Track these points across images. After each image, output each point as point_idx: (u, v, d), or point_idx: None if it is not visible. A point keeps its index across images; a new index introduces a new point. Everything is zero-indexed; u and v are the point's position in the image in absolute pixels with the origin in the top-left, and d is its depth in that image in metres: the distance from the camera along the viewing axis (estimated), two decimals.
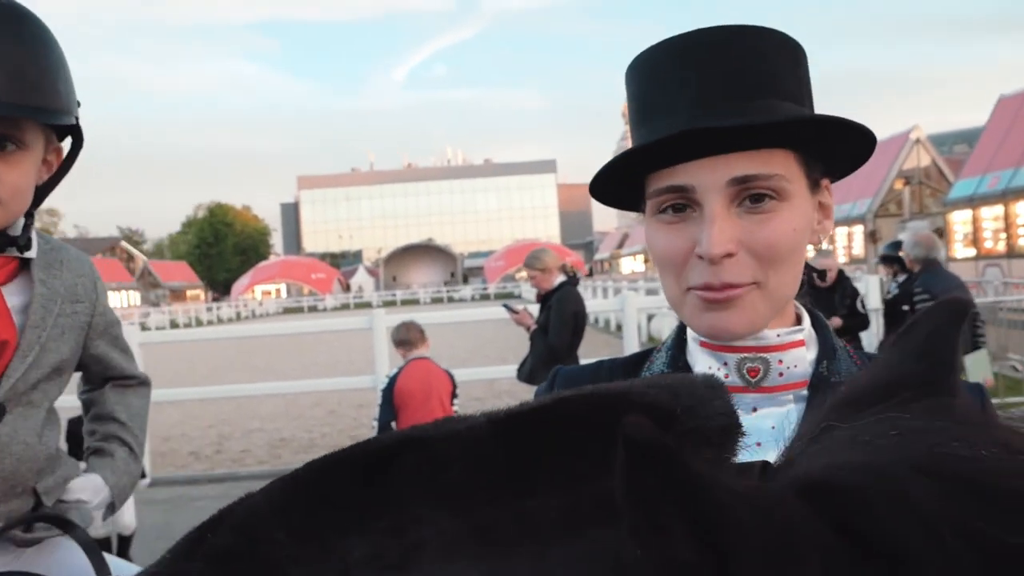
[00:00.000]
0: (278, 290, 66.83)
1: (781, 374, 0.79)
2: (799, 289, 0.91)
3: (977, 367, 4.76)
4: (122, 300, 55.99)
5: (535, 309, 4.90)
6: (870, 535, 0.28)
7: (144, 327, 32.99)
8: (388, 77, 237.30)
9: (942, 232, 24.62)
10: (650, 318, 16.21)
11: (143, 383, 1.79)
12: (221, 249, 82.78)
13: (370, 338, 6.54)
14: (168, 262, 77.07)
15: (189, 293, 69.38)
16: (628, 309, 6.88)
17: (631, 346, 6.69)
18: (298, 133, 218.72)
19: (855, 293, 5.74)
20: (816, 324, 0.85)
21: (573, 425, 0.32)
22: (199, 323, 39.37)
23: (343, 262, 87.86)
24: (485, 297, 51.24)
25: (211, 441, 8.91)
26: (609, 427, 0.31)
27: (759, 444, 0.72)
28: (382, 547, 0.30)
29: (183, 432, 9.39)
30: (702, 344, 0.82)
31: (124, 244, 78.02)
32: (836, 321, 5.45)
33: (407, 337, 4.43)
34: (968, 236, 23.87)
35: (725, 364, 0.80)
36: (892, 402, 0.37)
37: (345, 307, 50.97)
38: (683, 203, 0.76)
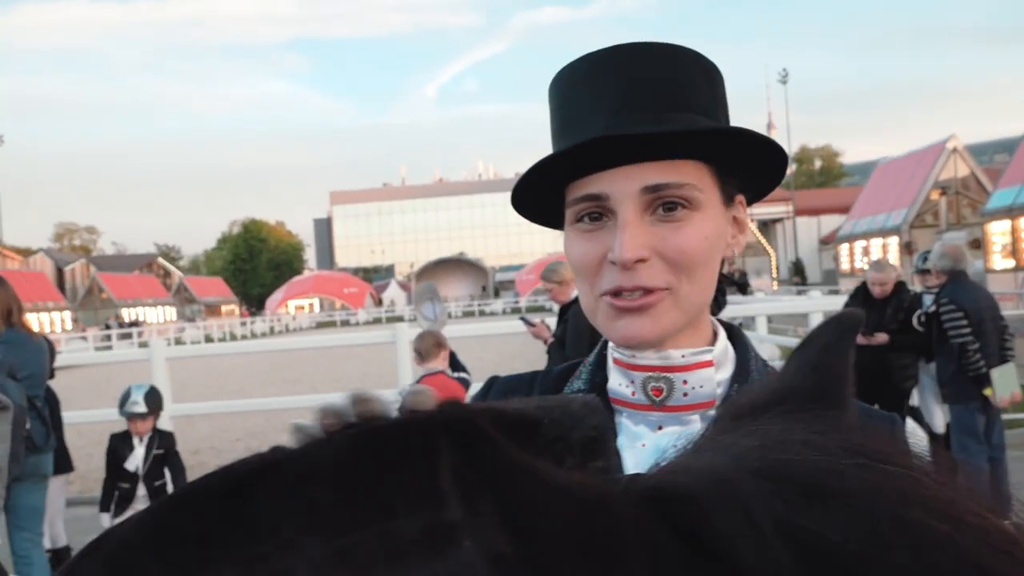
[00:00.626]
0: (311, 305, 67.45)
1: (686, 394, 0.79)
2: (720, 307, 0.91)
3: (1004, 381, 4.64)
4: (158, 315, 56.95)
5: (553, 322, 4.89)
6: (702, 535, 0.29)
7: (180, 341, 33.53)
8: (420, 93, 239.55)
9: (980, 243, 24.15)
10: None
11: (3, 407, 1.74)
12: (255, 264, 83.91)
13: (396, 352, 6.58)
14: (203, 278, 78.36)
15: (224, 308, 70.36)
16: None
17: None
18: (331, 149, 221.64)
19: (912, 308, 5.39)
20: (737, 343, 0.85)
21: (436, 441, 0.31)
22: (233, 337, 39.84)
23: (375, 276, 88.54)
24: (516, 310, 51.23)
25: (239, 454, 8.94)
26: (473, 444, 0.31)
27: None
28: (253, 574, 0.30)
29: (212, 445, 9.51)
30: (615, 361, 0.83)
31: (161, 260, 79.54)
32: (882, 337, 5.28)
33: (419, 347, 4.45)
34: (1007, 247, 23.38)
35: (632, 382, 0.81)
36: (774, 413, 0.37)
37: (377, 321, 51.29)
38: (598, 211, 0.78)
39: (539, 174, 0.78)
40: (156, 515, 0.31)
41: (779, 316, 16.20)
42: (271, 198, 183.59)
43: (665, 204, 0.76)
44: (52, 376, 4.84)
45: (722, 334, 0.84)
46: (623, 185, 0.76)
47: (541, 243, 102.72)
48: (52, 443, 4.20)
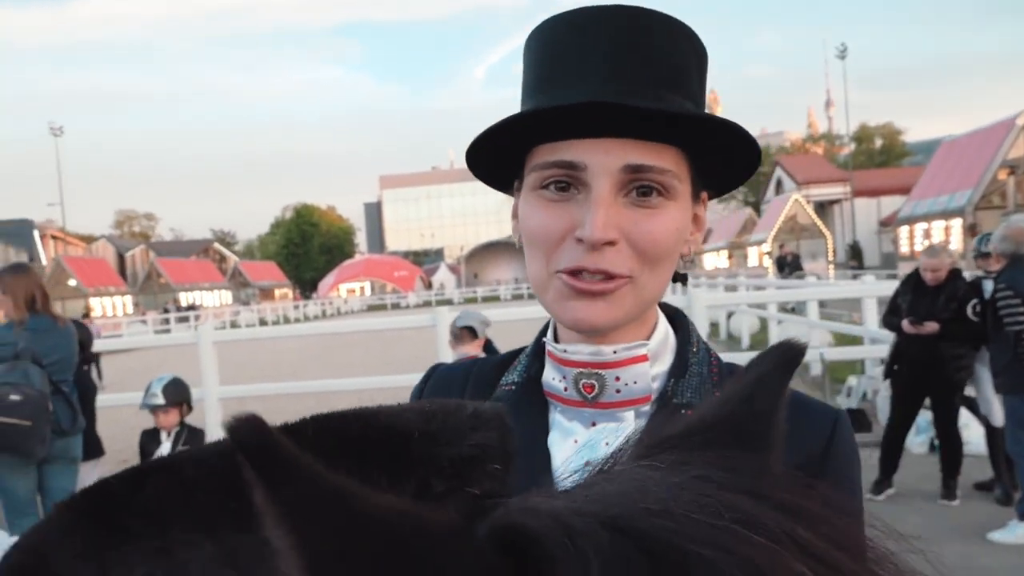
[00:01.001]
0: (362, 288, 68.24)
1: (618, 391, 0.76)
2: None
3: None
4: (215, 299, 58.30)
5: None
6: None
7: (235, 325, 34.27)
8: (468, 75, 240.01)
9: None
10: (730, 315, 15.81)
11: None
12: (307, 249, 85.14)
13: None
14: (257, 262, 79.80)
15: (277, 292, 71.63)
16: (696, 307, 6.71)
17: None
18: (380, 133, 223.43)
19: (968, 297, 5.10)
20: (679, 332, 0.82)
21: (317, 442, 0.31)
22: (286, 320, 40.57)
23: (425, 260, 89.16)
24: None
25: None
26: (353, 453, 0.32)
27: (588, 463, 0.72)
28: (154, 567, 0.31)
29: None
30: (549, 354, 0.80)
31: (217, 246, 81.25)
32: (932, 326, 5.09)
33: (454, 331, 4.41)
34: None
35: (564, 378, 0.78)
36: (687, 447, 0.37)
37: (427, 304, 51.61)
38: (568, 181, 0.72)
39: (513, 128, 0.72)
40: (72, 508, 0.33)
41: (834, 301, 15.82)
42: (322, 183, 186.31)
43: (641, 188, 0.72)
44: (89, 360, 4.91)
45: (661, 325, 0.81)
46: (604, 158, 0.70)
47: None
48: (80, 426, 4.27)
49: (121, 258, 62.44)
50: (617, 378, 0.76)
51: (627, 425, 0.76)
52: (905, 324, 5.26)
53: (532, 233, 0.75)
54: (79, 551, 0.32)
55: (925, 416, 5.89)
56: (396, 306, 52.90)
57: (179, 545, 0.31)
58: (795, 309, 15.17)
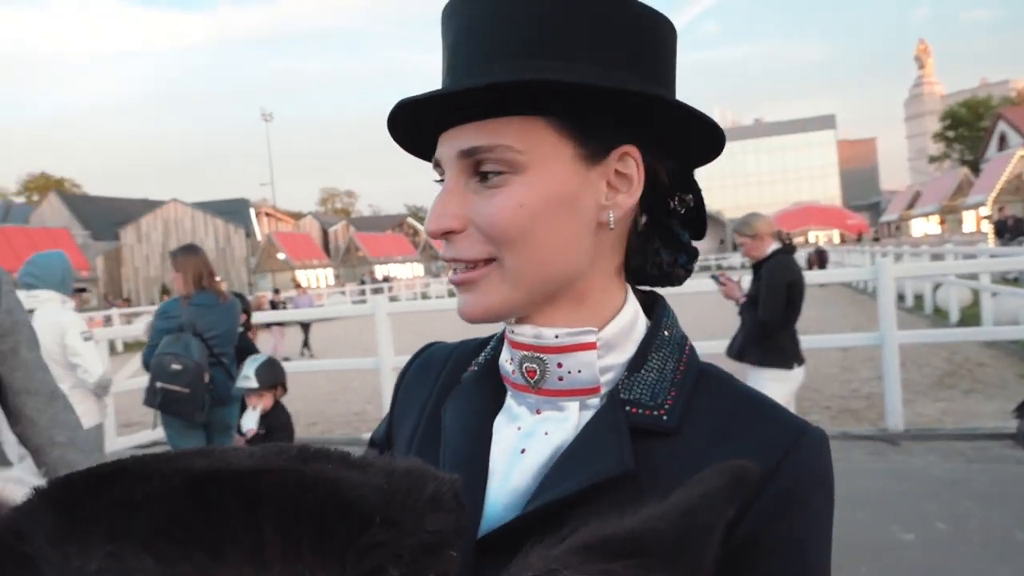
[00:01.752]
0: None
1: (561, 378, 0.71)
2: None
3: None
4: (407, 271, 61.58)
5: (747, 281, 4.52)
6: None
7: (425, 296, 35.97)
8: None
9: None
10: (936, 287, 14.40)
11: (55, 396, 1.75)
12: None
13: None
14: None
15: None
16: (883, 278, 6.10)
17: (886, 316, 5.97)
18: None
19: None
20: (658, 323, 0.73)
21: (272, 501, 0.32)
22: None
23: None
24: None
25: None
26: (308, 512, 0.33)
27: (524, 451, 0.70)
28: (106, 567, 0.32)
29: None
30: (504, 334, 0.77)
31: (410, 220, 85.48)
32: None
33: None
34: None
35: (512, 360, 0.74)
36: (632, 551, 0.38)
37: None
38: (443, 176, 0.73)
39: (395, 133, 0.75)
40: (47, 494, 0.35)
41: None
42: None
43: (486, 170, 0.68)
44: (248, 328, 5.39)
45: (626, 313, 0.74)
46: (447, 149, 0.70)
47: (784, 192, 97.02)
48: (238, 395, 4.59)
49: (325, 233, 67.27)
50: (559, 364, 0.71)
51: (570, 415, 0.71)
52: None
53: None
54: (48, 535, 0.33)
55: None
56: None
57: (128, 554, 0.32)
58: (1018, 280, 13.56)
